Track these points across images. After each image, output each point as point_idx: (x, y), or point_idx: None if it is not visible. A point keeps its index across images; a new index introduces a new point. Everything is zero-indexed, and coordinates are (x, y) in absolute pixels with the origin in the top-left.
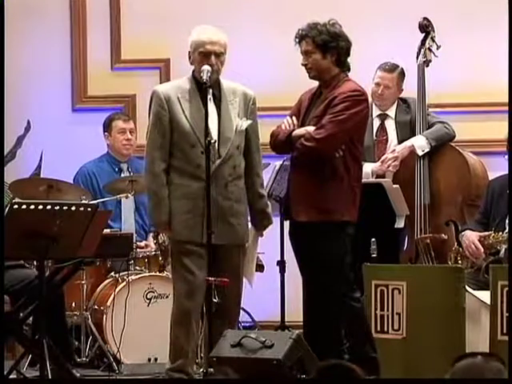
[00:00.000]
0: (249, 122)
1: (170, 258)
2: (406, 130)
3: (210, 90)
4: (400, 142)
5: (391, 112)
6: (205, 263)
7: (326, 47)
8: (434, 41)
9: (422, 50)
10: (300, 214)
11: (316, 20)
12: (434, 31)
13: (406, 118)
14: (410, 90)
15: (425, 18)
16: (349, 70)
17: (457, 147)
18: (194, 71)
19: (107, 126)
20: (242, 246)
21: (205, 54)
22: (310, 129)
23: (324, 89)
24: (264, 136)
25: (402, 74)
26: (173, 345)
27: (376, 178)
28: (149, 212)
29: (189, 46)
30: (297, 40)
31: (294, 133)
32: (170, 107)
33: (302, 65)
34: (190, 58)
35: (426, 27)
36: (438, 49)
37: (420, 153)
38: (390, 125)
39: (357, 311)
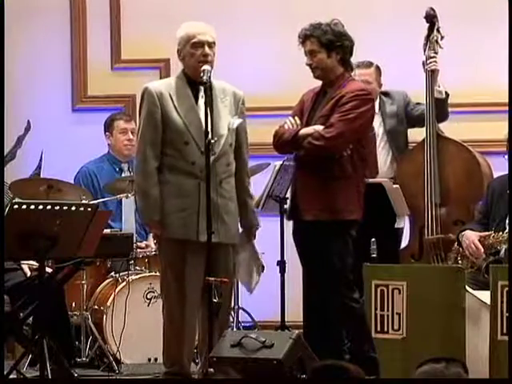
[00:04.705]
0: (240, 120)
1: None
2: (394, 120)
3: (202, 87)
4: (388, 132)
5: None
6: (200, 262)
7: (331, 46)
8: (439, 31)
9: (429, 43)
10: (308, 213)
11: (318, 20)
12: (438, 21)
13: (391, 108)
14: (413, 90)
15: (431, 8)
16: (352, 69)
17: (468, 146)
18: (183, 69)
19: (108, 126)
20: (233, 244)
21: (198, 45)
22: (319, 128)
23: (329, 88)
24: (263, 136)
25: (378, 69)
26: (166, 348)
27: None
28: (140, 210)
29: (177, 43)
30: (300, 40)
31: (301, 132)
32: (162, 104)
33: (307, 65)
34: (179, 55)
35: (432, 17)
36: (441, 39)
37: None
38: (375, 120)
39: (356, 312)
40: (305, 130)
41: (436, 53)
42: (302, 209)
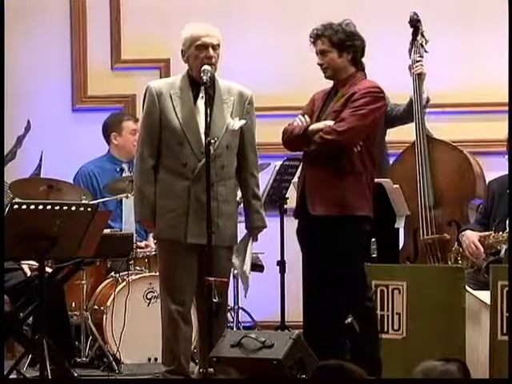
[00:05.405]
0: (242, 121)
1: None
2: None
3: (203, 88)
4: None
5: None
6: (192, 263)
7: (342, 46)
8: (423, 36)
9: (414, 47)
10: (319, 208)
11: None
12: (422, 25)
13: None
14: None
15: (415, 13)
16: (363, 69)
17: (458, 147)
18: (188, 69)
19: (115, 126)
20: (229, 247)
21: (202, 47)
22: (330, 123)
23: (340, 87)
24: (265, 136)
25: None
26: (164, 347)
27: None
28: (135, 208)
29: (182, 44)
30: (311, 40)
31: (312, 127)
32: (161, 103)
33: (318, 64)
34: (183, 55)
35: (416, 21)
36: (426, 43)
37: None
38: None
39: (369, 311)
40: (315, 125)
41: (421, 56)
42: (311, 204)
